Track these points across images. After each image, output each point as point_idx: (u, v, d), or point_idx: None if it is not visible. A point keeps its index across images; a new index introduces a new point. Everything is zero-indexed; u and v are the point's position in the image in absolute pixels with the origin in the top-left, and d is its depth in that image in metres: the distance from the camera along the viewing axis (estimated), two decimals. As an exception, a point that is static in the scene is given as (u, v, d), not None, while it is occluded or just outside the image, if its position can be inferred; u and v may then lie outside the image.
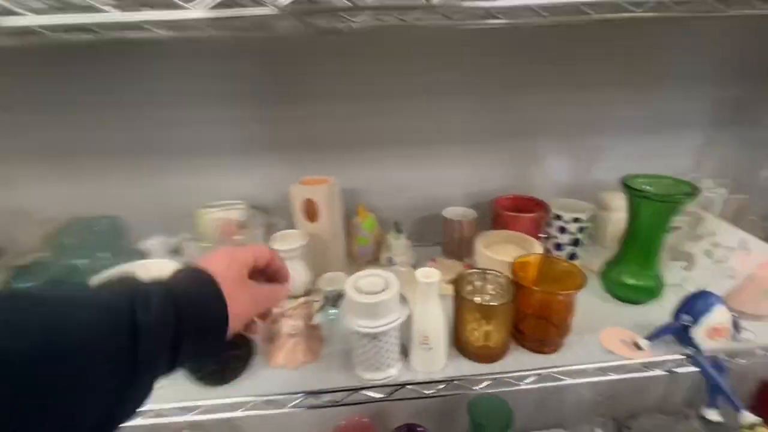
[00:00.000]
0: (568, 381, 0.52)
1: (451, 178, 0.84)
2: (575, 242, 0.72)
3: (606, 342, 0.55)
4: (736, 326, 0.53)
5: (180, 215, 0.70)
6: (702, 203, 0.73)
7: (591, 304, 0.64)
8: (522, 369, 0.52)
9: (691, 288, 0.61)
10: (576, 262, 0.74)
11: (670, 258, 0.66)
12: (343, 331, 0.59)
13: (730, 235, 0.58)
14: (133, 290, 0.28)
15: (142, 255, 0.64)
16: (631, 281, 0.62)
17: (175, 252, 0.64)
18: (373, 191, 0.83)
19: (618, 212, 0.76)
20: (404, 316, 0.48)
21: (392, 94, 0.75)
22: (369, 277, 0.50)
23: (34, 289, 0.39)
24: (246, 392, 0.51)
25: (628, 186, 0.58)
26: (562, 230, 0.72)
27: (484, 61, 0.75)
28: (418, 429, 0.98)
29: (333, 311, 0.63)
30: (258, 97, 0.73)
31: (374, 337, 0.48)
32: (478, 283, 0.55)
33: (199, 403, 0.49)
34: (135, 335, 0.25)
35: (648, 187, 0.60)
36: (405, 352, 0.54)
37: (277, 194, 0.77)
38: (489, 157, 0.84)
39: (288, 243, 0.62)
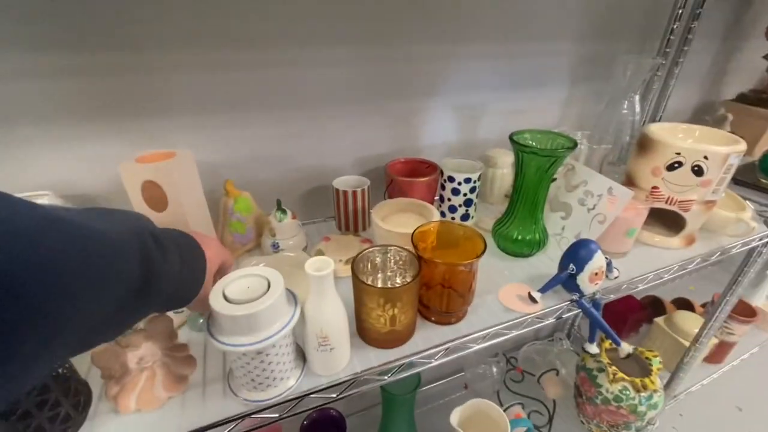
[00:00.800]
0: (477, 347, 0.51)
1: (337, 144, 0.74)
2: (468, 202, 0.71)
3: (505, 300, 0.55)
4: (608, 267, 0.58)
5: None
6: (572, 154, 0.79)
7: (487, 263, 0.64)
8: (431, 346, 0.48)
9: (570, 236, 0.65)
10: (469, 222, 0.74)
11: (550, 209, 0.69)
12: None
13: (598, 182, 0.62)
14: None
15: None
16: (520, 236, 0.63)
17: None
18: (244, 165, 0.68)
19: (503, 168, 0.78)
20: (294, 318, 0.39)
21: (259, 40, 0.60)
22: (241, 279, 0.38)
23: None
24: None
25: (515, 142, 0.57)
26: (455, 192, 0.70)
27: (360, 8, 0.64)
28: (331, 412, 0.93)
29: (202, 320, 0.50)
30: (69, 37, 0.50)
31: (259, 352, 0.38)
32: (378, 261, 0.49)
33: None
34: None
35: (532, 143, 0.60)
36: (302, 354, 0.45)
37: (104, 177, 0.57)
38: (374, 118, 0.76)
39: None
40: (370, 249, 0.47)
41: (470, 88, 0.81)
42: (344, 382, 0.44)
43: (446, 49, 0.74)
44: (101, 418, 0.40)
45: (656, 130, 0.65)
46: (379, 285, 0.50)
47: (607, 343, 1.05)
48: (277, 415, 0.41)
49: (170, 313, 0.49)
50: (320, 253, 0.62)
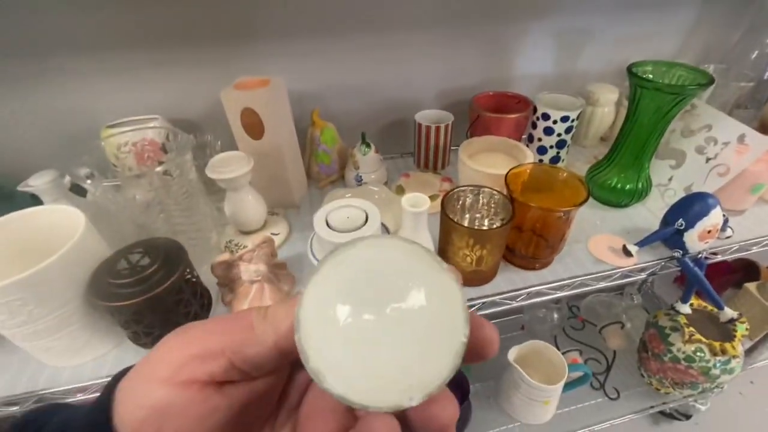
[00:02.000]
0: (560, 294, 0.50)
1: (421, 74, 0.70)
2: (561, 144, 0.66)
3: (595, 251, 0.53)
4: (723, 225, 0.52)
5: (77, 140, 0.53)
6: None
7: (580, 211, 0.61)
8: (513, 289, 0.48)
9: (678, 188, 0.58)
10: (559, 165, 0.69)
11: (657, 156, 0.62)
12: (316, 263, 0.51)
13: (728, 128, 0.53)
14: None
15: (31, 199, 0.47)
16: (620, 184, 0.58)
17: (76, 191, 0.48)
18: (328, 95, 0.67)
19: (605, 107, 0.70)
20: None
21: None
22: (342, 209, 0.40)
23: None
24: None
25: (635, 74, 0.49)
26: (548, 131, 0.65)
27: None
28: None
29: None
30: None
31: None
32: (469, 202, 0.48)
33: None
34: None
35: (653, 77, 0.52)
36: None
37: (205, 103, 0.60)
38: (462, 44, 0.69)
39: (230, 169, 0.48)
40: (462, 188, 0.46)
41: (575, 7, 0.70)
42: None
43: None
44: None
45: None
46: (466, 225, 0.50)
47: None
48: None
49: (271, 235, 0.54)
50: (401, 189, 0.62)
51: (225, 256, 0.43)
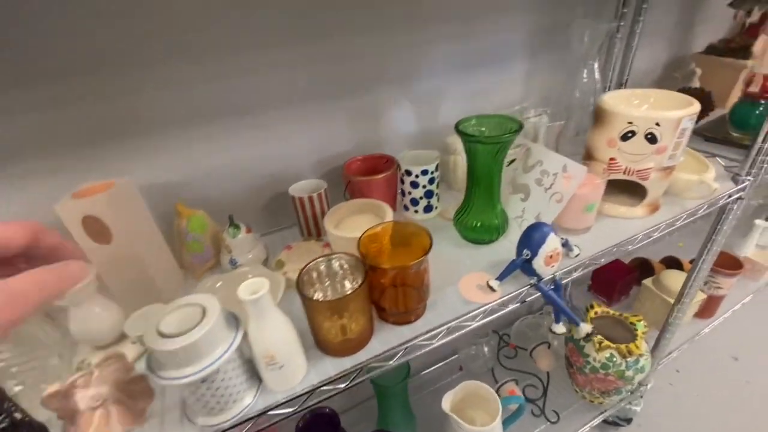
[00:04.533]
0: (437, 344, 0.51)
1: (293, 149, 0.73)
2: (429, 194, 0.71)
3: (464, 291, 0.55)
4: (567, 246, 0.58)
5: None
6: (530, 133, 0.77)
7: (449, 253, 0.64)
8: (388, 348, 0.48)
9: (530, 218, 0.64)
10: (433, 213, 0.74)
11: (510, 192, 0.68)
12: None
13: (554, 161, 0.61)
14: None
15: None
16: (479, 223, 0.62)
17: None
18: (198, 181, 0.67)
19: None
20: (235, 342, 0.39)
21: (191, 48, 0.58)
22: (176, 311, 0.38)
23: None
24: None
25: (460, 131, 0.56)
26: (414, 185, 0.69)
27: (298, 7, 0.62)
28: (325, 410, 0.94)
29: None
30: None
31: (204, 380, 0.38)
32: (324, 271, 0.48)
33: None
34: None
35: (481, 128, 0.59)
36: (256, 372, 0.45)
37: (50, 216, 0.56)
38: (332, 117, 0.74)
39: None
40: (314, 260, 0.47)
41: (427, 74, 0.79)
42: (301, 394, 0.44)
43: (396, 39, 0.72)
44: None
45: (608, 99, 0.64)
46: (329, 293, 0.50)
47: (592, 312, 1.05)
48: (237, 435, 0.42)
49: (128, 345, 0.50)
50: (280, 263, 0.61)
51: (54, 387, 0.38)
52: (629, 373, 0.94)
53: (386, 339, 0.50)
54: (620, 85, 0.93)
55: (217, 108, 0.63)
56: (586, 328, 0.55)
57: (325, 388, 0.45)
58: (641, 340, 0.96)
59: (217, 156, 0.67)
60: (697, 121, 0.96)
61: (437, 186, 0.71)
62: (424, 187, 0.69)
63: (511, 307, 0.55)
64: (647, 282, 1.29)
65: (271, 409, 0.43)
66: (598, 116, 0.64)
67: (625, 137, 0.60)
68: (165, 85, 0.58)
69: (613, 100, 0.64)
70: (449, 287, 0.56)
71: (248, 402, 0.43)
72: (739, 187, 0.74)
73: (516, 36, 0.86)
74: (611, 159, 0.63)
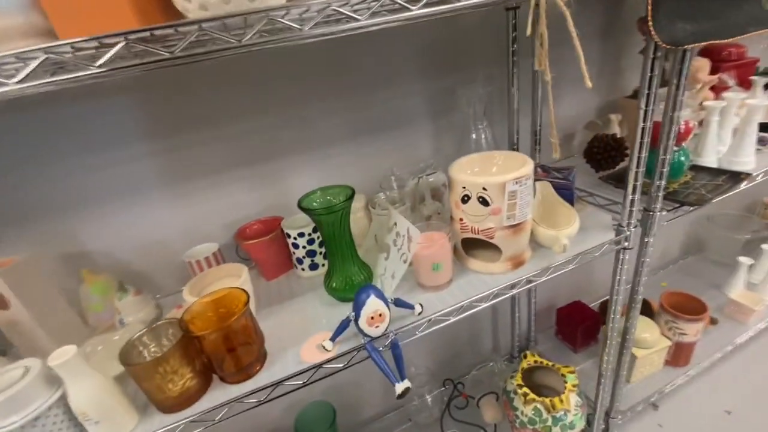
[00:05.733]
0: (264, 401, 0.56)
1: (202, 213, 0.83)
2: (311, 253, 0.77)
3: (304, 351, 0.60)
4: (405, 305, 0.61)
5: None
6: (426, 191, 0.83)
7: (316, 311, 0.69)
8: (215, 405, 0.54)
9: (389, 275, 0.68)
10: (320, 270, 0.79)
11: (378, 250, 0.73)
12: None
13: (402, 225, 0.66)
14: None
15: None
16: (341, 282, 0.67)
17: None
18: (106, 249, 0.78)
19: (356, 213, 0.83)
20: (53, 397, 0.47)
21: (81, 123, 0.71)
22: (6, 374, 0.47)
23: None
24: None
25: (302, 207, 0.63)
26: (295, 246, 0.76)
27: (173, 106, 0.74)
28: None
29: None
30: None
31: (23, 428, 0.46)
32: (151, 342, 0.55)
33: None
34: None
35: (327, 197, 0.66)
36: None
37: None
38: (240, 188, 0.84)
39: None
40: (140, 333, 0.54)
41: (332, 138, 0.88)
42: (124, 449, 0.50)
43: (300, 113, 0.83)
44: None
45: (454, 165, 0.68)
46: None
47: (524, 362, 1.03)
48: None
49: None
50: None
51: None
52: (556, 429, 0.90)
53: (215, 397, 0.55)
54: (512, 143, 0.97)
55: (139, 185, 0.75)
56: (400, 387, 0.57)
57: (150, 441, 0.51)
58: (570, 393, 0.92)
59: (131, 227, 0.78)
60: (611, 168, 0.97)
61: (319, 245, 0.77)
62: (303, 247, 0.76)
63: (340, 366, 0.58)
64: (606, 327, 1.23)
65: (95, 461, 0.50)
66: (449, 181, 0.68)
67: (464, 200, 0.64)
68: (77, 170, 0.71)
69: (458, 165, 0.68)
70: (295, 347, 0.61)
71: (77, 454, 0.50)
72: (616, 237, 0.74)
73: (413, 100, 0.93)
74: (460, 219, 0.67)
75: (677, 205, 0.80)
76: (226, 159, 0.81)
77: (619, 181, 0.91)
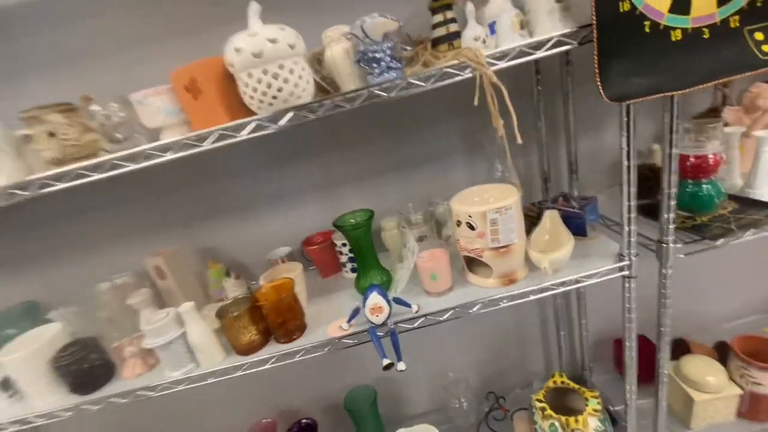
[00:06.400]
0: (305, 357, 0.80)
1: (282, 227, 1.15)
2: (351, 259, 1.00)
3: (330, 329, 0.83)
4: (403, 304, 0.79)
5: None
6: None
7: (348, 302, 0.91)
8: (266, 355, 0.80)
9: (402, 280, 0.87)
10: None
11: (398, 260, 0.92)
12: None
13: (411, 242, 0.84)
14: None
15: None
16: (364, 283, 0.89)
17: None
18: (231, 247, 1.15)
19: (390, 231, 1.04)
20: (179, 331, 0.79)
21: (217, 172, 1.08)
22: (157, 315, 0.81)
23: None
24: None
25: (336, 225, 0.87)
26: (340, 253, 1.01)
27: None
28: (305, 420, 1.24)
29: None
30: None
31: (160, 349, 0.79)
32: (235, 308, 0.84)
33: (74, 407, 0.81)
34: None
35: (352, 221, 0.89)
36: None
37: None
38: (309, 206, 1.14)
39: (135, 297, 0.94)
40: (228, 302, 0.84)
41: (375, 173, 1.11)
42: (218, 370, 0.80)
43: (366, 152, 1.09)
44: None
45: (457, 195, 0.84)
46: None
47: (551, 381, 1.07)
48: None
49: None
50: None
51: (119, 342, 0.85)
52: (571, 448, 0.94)
53: (269, 350, 0.82)
54: (545, 174, 1.05)
55: (237, 204, 1.11)
56: (386, 361, 0.74)
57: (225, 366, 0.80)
58: (588, 416, 0.95)
59: (240, 233, 1.14)
60: (650, 198, 0.97)
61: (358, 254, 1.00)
62: (346, 255, 1.00)
63: (352, 342, 0.79)
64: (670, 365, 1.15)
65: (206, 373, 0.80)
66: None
67: (458, 224, 0.80)
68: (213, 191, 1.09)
69: (460, 196, 0.84)
70: (326, 325, 0.85)
71: (191, 366, 0.81)
72: (616, 265, 0.79)
73: (448, 138, 1.10)
74: (457, 240, 0.82)
75: (698, 239, 0.80)
76: (301, 188, 1.11)
77: (647, 212, 0.92)
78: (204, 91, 0.62)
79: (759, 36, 0.62)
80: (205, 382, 0.81)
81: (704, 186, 0.83)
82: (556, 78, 1.02)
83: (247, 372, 0.81)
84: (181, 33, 0.94)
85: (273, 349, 0.82)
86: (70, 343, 0.84)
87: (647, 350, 1.26)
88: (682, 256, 0.80)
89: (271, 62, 0.58)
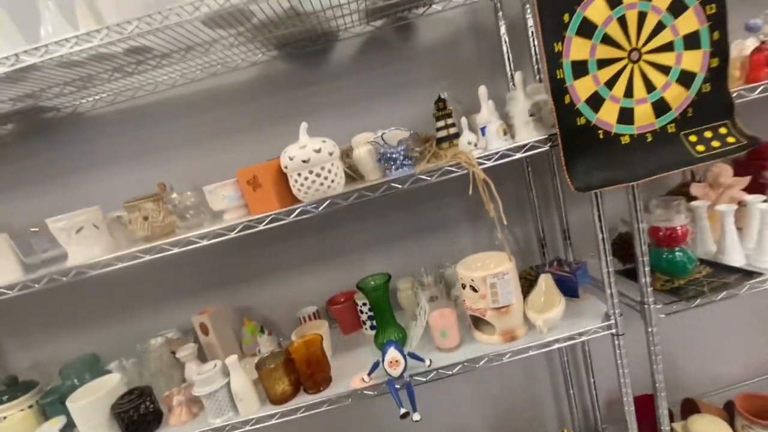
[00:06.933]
0: (331, 407, 0.90)
1: (309, 288, 1.30)
2: (371, 317, 1.13)
3: (353, 381, 0.94)
4: (417, 358, 0.91)
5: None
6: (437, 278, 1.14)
7: (368, 357, 1.03)
8: (297, 405, 0.91)
9: (415, 337, 0.99)
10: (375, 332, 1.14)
11: (412, 319, 1.05)
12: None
13: (422, 302, 0.98)
14: None
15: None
16: (382, 339, 1.01)
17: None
18: (263, 306, 1.29)
19: (404, 291, 1.18)
20: (224, 381, 0.92)
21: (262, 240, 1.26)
22: (204, 367, 0.94)
23: None
24: None
25: (358, 287, 1.01)
26: (361, 311, 1.14)
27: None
28: None
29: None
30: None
31: (206, 397, 0.91)
32: (271, 362, 0.97)
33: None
34: None
35: (372, 283, 1.03)
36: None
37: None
38: (333, 270, 1.30)
39: (184, 350, 1.08)
40: (265, 356, 0.97)
41: (392, 240, 1.28)
42: (259, 417, 0.91)
43: (376, 224, 1.27)
44: (167, 429, 0.97)
45: (462, 261, 0.99)
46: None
47: (560, 439, 1.12)
48: (221, 432, 0.91)
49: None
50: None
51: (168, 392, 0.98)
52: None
53: (300, 401, 0.93)
54: (541, 240, 1.20)
55: (270, 267, 1.27)
56: (402, 410, 0.84)
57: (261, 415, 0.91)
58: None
59: (272, 293, 1.29)
60: (634, 262, 1.10)
61: (378, 313, 1.13)
62: (366, 313, 1.13)
63: (375, 393, 0.90)
64: (676, 426, 1.19)
65: (249, 423, 0.91)
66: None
67: (463, 287, 0.93)
68: (255, 256, 1.26)
69: (465, 262, 0.99)
70: (349, 378, 0.96)
71: (230, 415, 0.92)
72: (604, 324, 0.90)
73: (454, 210, 1.28)
74: (464, 300, 0.95)
75: (675, 300, 0.91)
76: (325, 254, 1.27)
77: (633, 275, 1.05)
78: (262, 185, 0.81)
79: (693, 138, 0.79)
80: (243, 429, 0.92)
81: (677, 253, 0.96)
82: (543, 159, 1.21)
83: (279, 420, 0.91)
84: (239, 130, 1.19)
85: (302, 399, 0.93)
86: (128, 392, 0.97)
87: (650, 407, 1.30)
88: (662, 315, 0.91)
89: (315, 166, 0.78)
